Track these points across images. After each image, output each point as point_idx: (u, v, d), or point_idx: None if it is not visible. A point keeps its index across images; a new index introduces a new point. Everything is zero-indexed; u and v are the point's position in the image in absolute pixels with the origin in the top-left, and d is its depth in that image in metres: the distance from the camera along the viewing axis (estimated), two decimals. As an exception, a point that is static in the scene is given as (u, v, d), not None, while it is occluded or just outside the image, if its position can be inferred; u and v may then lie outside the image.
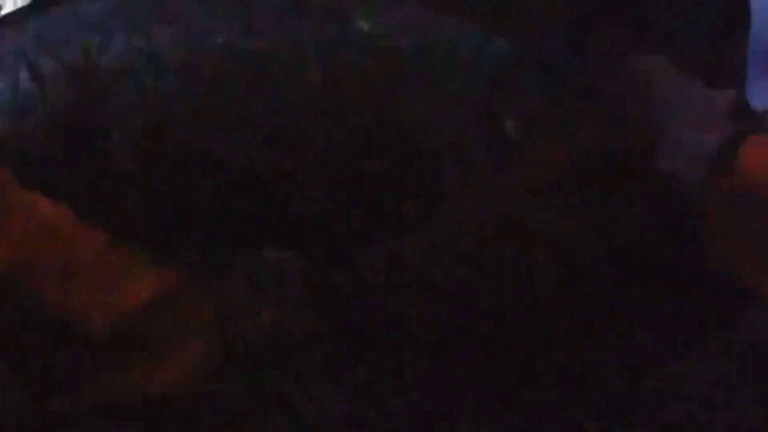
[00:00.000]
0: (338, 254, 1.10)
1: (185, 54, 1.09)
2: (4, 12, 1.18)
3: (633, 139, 1.20)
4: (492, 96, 1.16)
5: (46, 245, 0.98)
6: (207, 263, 1.08)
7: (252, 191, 1.09)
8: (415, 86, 1.13)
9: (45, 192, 1.04)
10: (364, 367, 1.11)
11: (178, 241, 1.07)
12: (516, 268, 1.15)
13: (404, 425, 1.14)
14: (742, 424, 1.31)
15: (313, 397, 1.11)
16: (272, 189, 1.09)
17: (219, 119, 1.09)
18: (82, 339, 0.96)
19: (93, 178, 1.07)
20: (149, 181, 1.08)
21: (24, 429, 0.98)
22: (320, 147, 1.10)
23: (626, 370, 1.22)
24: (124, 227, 1.04)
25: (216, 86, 1.10)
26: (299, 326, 1.10)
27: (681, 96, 1.21)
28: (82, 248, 0.98)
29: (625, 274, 1.21)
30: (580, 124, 1.20)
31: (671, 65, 1.24)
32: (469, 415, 1.16)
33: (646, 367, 1.24)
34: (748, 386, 1.33)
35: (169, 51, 1.09)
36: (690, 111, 1.20)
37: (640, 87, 1.23)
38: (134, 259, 1.01)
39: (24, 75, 1.10)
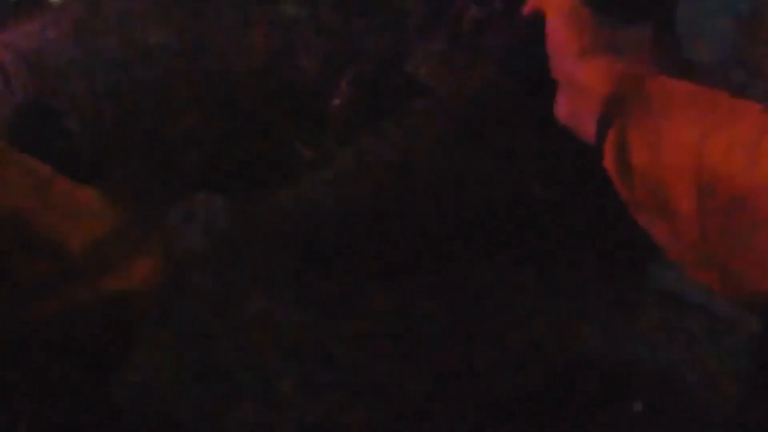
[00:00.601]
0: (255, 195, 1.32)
1: (124, 50, 1.33)
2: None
3: (529, 80, 1.20)
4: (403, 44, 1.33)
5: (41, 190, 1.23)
6: (152, 204, 1.31)
7: (184, 149, 1.32)
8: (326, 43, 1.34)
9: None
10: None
11: (129, 188, 1.31)
12: (418, 206, 1.28)
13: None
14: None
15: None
16: (200, 147, 1.32)
17: (154, 97, 1.33)
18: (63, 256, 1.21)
19: (52, 148, 1.31)
20: (100, 148, 1.32)
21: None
22: (238, 110, 1.32)
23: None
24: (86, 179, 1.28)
25: (149, 74, 1.33)
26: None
27: (583, 32, 1.18)
28: (60, 191, 1.22)
29: (525, 214, 1.30)
30: (482, 64, 1.29)
31: None
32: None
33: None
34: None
35: (112, 48, 1.33)
36: (592, 50, 1.16)
37: (539, 22, 1.20)
38: (98, 199, 1.25)
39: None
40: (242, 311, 1.40)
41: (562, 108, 1.17)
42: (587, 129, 1.13)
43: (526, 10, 1.24)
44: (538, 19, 1.21)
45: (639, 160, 1.07)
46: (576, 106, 1.15)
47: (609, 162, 1.10)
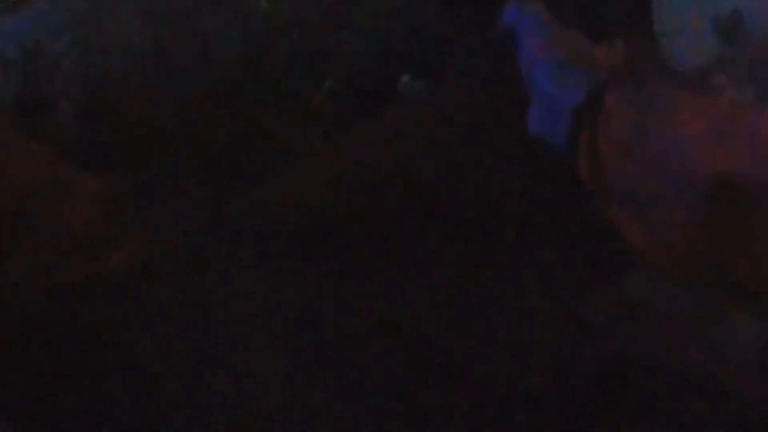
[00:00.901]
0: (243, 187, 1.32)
1: (116, 43, 1.34)
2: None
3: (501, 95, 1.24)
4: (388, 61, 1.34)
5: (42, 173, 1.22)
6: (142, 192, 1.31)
7: (174, 140, 1.33)
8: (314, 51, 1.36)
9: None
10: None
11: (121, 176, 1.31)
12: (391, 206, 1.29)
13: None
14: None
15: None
16: (189, 138, 1.33)
17: (143, 89, 1.34)
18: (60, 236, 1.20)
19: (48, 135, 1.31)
20: (88, 132, 1.31)
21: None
22: (224, 103, 1.34)
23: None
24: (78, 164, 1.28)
25: (139, 67, 1.34)
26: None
27: (554, 46, 1.22)
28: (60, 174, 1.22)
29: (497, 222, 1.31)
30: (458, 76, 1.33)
31: (546, 13, 1.23)
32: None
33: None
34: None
35: (105, 40, 1.34)
36: (561, 62, 1.19)
37: (513, 37, 1.24)
38: (92, 184, 1.24)
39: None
40: (234, 302, 1.39)
41: (534, 119, 1.22)
42: (558, 139, 1.18)
43: (501, 26, 1.29)
44: (511, 35, 1.25)
45: (611, 165, 1.11)
46: (547, 118, 1.19)
47: (581, 170, 1.15)
